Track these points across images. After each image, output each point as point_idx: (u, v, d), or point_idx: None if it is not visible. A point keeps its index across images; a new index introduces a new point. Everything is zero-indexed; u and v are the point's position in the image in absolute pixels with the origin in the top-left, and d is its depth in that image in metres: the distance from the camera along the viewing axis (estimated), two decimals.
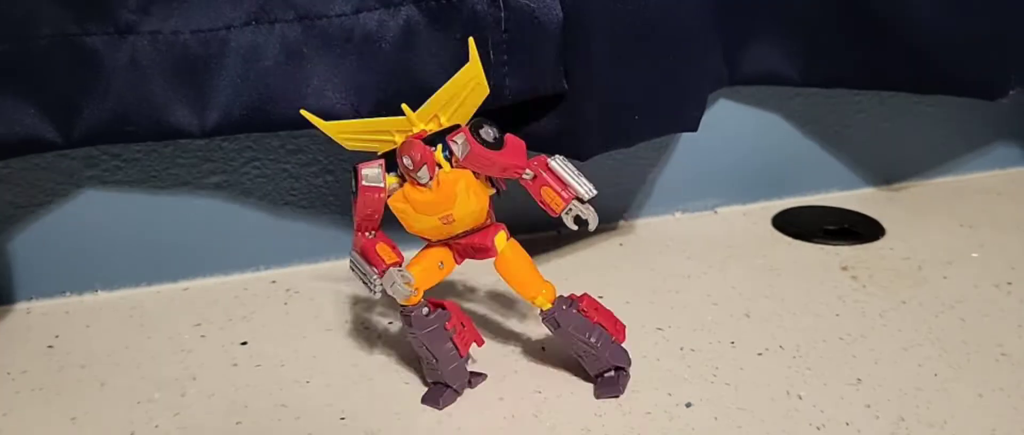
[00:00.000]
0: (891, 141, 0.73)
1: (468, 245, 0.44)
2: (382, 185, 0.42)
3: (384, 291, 0.43)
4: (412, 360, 0.50)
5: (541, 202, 0.44)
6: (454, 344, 0.45)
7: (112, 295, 0.60)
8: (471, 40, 0.40)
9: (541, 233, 0.67)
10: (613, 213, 0.69)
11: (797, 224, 0.68)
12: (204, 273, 0.61)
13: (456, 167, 0.42)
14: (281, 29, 0.49)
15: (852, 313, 0.54)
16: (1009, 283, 0.57)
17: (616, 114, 0.54)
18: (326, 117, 0.52)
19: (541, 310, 0.45)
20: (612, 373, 0.46)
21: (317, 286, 0.60)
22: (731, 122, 0.67)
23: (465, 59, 0.40)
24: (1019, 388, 0.46)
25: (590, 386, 0.47)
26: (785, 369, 0.48)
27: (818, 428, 0.43)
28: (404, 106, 0.41)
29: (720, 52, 0.60)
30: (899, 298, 0.56)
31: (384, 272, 0.42)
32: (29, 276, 0.58)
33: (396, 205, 0.42)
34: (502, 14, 0.49)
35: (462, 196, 0.41)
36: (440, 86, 0.41)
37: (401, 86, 0.50)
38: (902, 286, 0.57)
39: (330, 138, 0.42)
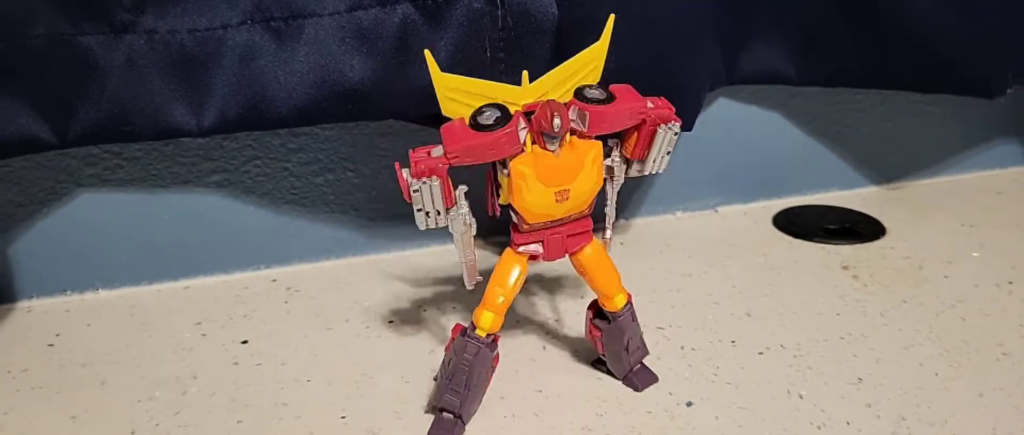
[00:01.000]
0: (892, 140, 0.73)
1: (567, 233, 0.43)
2: (521, 143, 0.40)
3: (438, 224, 0.41)
4: (412, 359, 0.50)
5: (640, 140, 0.43)
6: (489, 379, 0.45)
7: (113, 294, 0.60)
8: (612, 17, 0.39)
9: None
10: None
11: (798, 223, 0.68)
12: (205, 272, 0.61)
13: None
14: (277, 27, 0.49)
15: (853, 312, 0.54)
16: (1010, 282, 0.57)
17: None
18: (317, 120, 0.52)
19: (612, 311, 0.45)
20: (639, 366, 0.47)
21: (318, 285, 0.60)
22: (732, 121, 0.67)
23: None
24: (1020, 387, 0.46)
25: (592, 384, 0.47)
26: (786, 368, 0.48)
27: (819, 427, 0.43)
28: (524, 74, 0.40)
29: (718, 51, 0.60)
30: (900, 297, 0.56)
31: (451, 208, 0.41)
32: (30, 275, 0.58)
33: (520, 168, 0.40)
34: (499, 12, 0.49)
35: (588, 168, 0.41)
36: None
37: (397, 84, 0.50)
38: (903, 285, 0.57)
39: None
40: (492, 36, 0.49)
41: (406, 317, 0.55)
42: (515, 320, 0.54)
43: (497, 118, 0.39)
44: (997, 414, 0.43)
